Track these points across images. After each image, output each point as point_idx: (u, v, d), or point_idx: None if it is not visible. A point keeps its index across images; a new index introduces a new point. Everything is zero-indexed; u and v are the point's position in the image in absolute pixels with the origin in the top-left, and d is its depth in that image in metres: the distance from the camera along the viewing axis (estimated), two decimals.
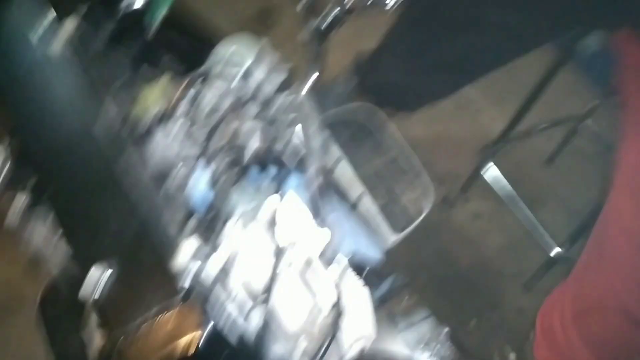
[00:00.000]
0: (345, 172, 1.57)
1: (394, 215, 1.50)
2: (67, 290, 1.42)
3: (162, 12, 0.83)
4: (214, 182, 0.82)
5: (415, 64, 1.59)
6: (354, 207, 1.57)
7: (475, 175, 2.00)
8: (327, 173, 0.73)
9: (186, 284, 0.53)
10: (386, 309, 0.99)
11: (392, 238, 1.49)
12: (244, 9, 2.49)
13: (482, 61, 1.55)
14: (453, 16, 1.43)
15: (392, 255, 1.30)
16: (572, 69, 2.16)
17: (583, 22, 1.37)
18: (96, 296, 0.54)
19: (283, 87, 0.82)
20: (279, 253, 0.65)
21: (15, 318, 1.87)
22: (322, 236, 0.70)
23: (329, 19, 1.27)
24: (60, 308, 1.43)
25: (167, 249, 0.55)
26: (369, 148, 1.60)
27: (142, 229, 0.55)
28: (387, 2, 1.32)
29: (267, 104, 0.79)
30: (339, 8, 1.28)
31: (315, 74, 1.35)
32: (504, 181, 1.94)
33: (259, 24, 2.45)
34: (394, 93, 1.75)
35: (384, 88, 1.75)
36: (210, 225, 0.74)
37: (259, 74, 0.79)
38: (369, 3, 1.34)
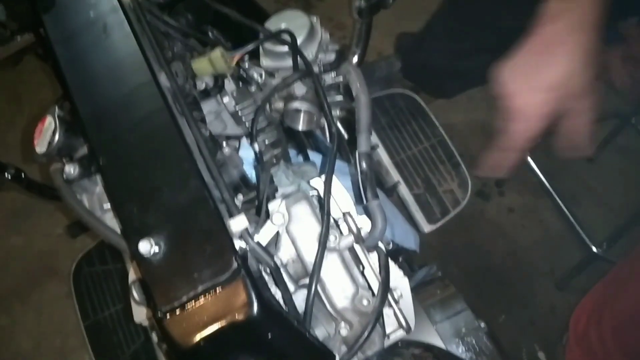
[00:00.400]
0: (382, 159, 1.55)
1: (429, 205, 1.48)
2: (102, 263, 1.45)
3: None
4: (257, 161, 0.81)
5: (458, 47, 1.55)
6: (389, 195, 1.55)
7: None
8: (372, 158, 0.70)
9: (233, 263, 0.52)
10: (421, 300, 0.98)
11: (427, 229, 1.47)
12: None
13: None
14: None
15: (423, 245, 1.28)
16: None
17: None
18: (141, 270, 0.53)
19: (332, 66, 0.80)
20: (322, 237, 0.64)
21: (49, 287, 1.92)
22: (364, 223, 0.69)
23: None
24: (93, 280, 1.45)
25: (216, 226, 0.54)
26: (407, 135, 1.57)
27: (193, 203, 0.54)
28: None
29: (315, 84, 0.77)
30: None
31: (360, 53, 1.33)
32: (542, 176, 1.89)
33: (301, 1, 2.43)
34: (435, 77, 1.71)
35: (426, 71, 1.72)
36: (254, 204, 0.73)
37: (309, 53, 0.77)
38: None
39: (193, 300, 0.51)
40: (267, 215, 0.67)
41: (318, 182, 0.71)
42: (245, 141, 0.87)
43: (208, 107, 0.84)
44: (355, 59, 1.35)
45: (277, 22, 0.77)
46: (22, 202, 2.04)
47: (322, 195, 0.69)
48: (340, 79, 0.80)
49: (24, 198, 1.98)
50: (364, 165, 0.70)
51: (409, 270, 1.22)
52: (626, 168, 2.04)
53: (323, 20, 0.85)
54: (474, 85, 1.83)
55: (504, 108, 0.77)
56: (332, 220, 0.69)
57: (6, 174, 1.27)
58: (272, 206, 0.67)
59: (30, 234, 2.02)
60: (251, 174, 0.83)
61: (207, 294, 0.51)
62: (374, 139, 1.55)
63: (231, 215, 0.56)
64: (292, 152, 1.05)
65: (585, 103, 0.77)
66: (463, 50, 1.55)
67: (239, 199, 0.69)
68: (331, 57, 0.81)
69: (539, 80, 0.75)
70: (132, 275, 0.68)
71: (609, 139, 1.99)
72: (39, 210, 2.02)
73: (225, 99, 0.82)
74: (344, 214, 0.68)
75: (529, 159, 1.88)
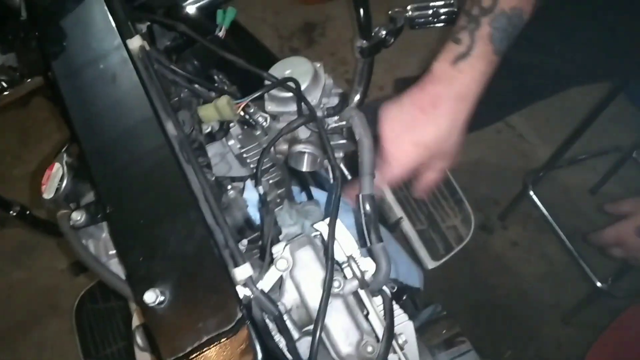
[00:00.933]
0: (385, 195, 1.55)
1: (432, 241, 1.48)
2: (105, 300, 1.44)
3: (218, 33, 0.84)
4: (262, 203, 0.82)
5: None
6: (392, 231, 1.55)
7: (515, 202, 1.96)
8: (375, 200, 0.71)
9: (238, 313, 0.52)
10: (426, 340, 0.97)
11: (430, 265, 1.46)
12: (289, 23, 2.51)
13: (526, 97, 1.54)
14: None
15: (427, 279, 1.28)
16: (621, 98, 2.10)
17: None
18: (146, 319, 0.54)
19: (336, 110, 0.82)
20: (327, 283, 0.64)
21: (51, 323, 1.91)
22: (368, 266, 0.69)
23: (377, 39, 1.28)
24: (96, 317, 1.45)
25: (221, 275, 0.54)
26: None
27: (198, 252, 0.55)
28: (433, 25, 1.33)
29: (319, 129, 0.78)
30: (385, 31, 1.28)
31: (362, 92, 1.36)
32: (544, 209, 1.89)
33: (304, 37, 2.47)
34: None
35: None
36: (257, 245, 0.73)
37: (312, 98, 0.78)
38: (416, 27, 1.34)
39: (197, 351, 0.51)
40: (271, 259, 0.67)
41: (322, 226, 0.72)
42: (249, 183, 0.88)
43: (213, 149, 0.85)
44: (357, 98, 1.37)
45: (281, 69, 0.78)
46: (26, 238, 2.04)
47: (325, 238, 0.69)
48: (344, 123, 0.81)
49: (28, 233, 1.98)
50: (367, 207, 0.70)
51: (413, 308, 1.21)
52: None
53: (325, 56, 0.87)
54: (476, 129, 1.85)
55: (382, 149, 0.85)
56: (336, 265, 0.69)
57: (11, 211, 1.28)
58: (276, 250, 0.68)
59: (33, 269, 2.02)
60: (255, 215, 0.84)
61: (211, 344, 0.51)
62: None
63: (236, 263, 0.56)
64: (296, 189, 1.06)
65: (442, 164, 0.89)
66: None
67: (243, 243, 0.70)
68: (334, 101, 0.83)
69: (416, 136, 0.83)
70: (135, 321, 0.68)
71: (611, 172, 1.99)
72: (43, 245, 2.03)
73: (231, 142, 0.83)
74: (348, 258, 0.68)
75: (531, 192, 1.88)
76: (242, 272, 0.55)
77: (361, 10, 1.17)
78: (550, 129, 2.14)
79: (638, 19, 1.08)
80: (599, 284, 1.72)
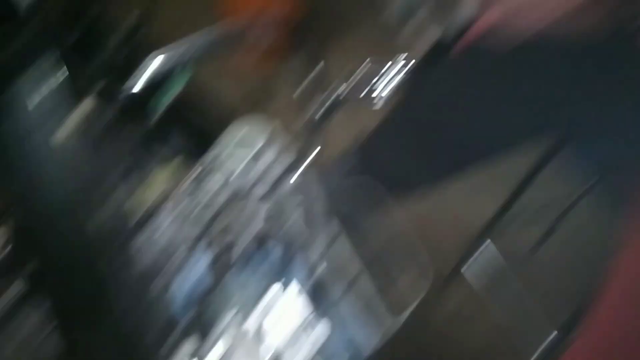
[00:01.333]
0: (343, 249, 1.54)
1: (390, 298, 1.46)
2: None
3: (170, 97, 0.84)
4: (213, 265, 0.80)
5: (420, 161, 1.58)
6: (350, 286, 1.53)
7: (466, 256, 1.98)
8: (329, 258, 0.72)
9: None
10: None
11: (389, 321, 1.44)
12: (247, 79, 2.53)
13: (487, 154, 1.57)
14: (452, 116, 1.42)
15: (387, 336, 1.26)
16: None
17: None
18: None
19: (291, 168, 0.83)
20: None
21: None
22: (321, 329, 0.68)
23: (323, 109, 1.30)
24: None
25: (164, 352, 0.52)
26: (368, 224, 1.58)
27: (138, 329, 0.53)
28: (374, 102, 1.36)
29: (274, 186, 0.79)
30: (331, 99, 1.31)
31: (316, 153, 1.36)
32: (496, 263, 1.92)
33: (262, 94, 2.49)
34: (394, 179, 1.74)
35: (384, 174, 1.74)
36: (207, 316, 0.71)
37: (268, 157, 0.79)
38: (360, 97, 1.37)
39: None
40: (219, 330, 0.65)
41: (276, 290, 0.71)
42: (202, 244, 0.86)
43: (167, 212, 0.84)
44: (309, 161, 1.37)
45: (239, 128, 0.79)
46: None
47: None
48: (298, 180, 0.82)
49: None
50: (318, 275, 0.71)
51: None
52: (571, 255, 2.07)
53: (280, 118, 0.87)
54: (431, 186, 1.87)
55: None
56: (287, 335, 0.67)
57: None
58: (226, 319, 0.66)
59: None
60: (207, 279, 0.82)
61: None
62: (335, 227, 1.56)
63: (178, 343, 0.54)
64: (253, 255, 1.04)
65: None
66: (424, 159, 1.58)
67: (190, 315, 0.68)
68: (291, 159, 0.84)
69: None
70: None
71: (552, 230, 2.03)
72: None
73: (184, 204, 0.82)
74: (298, 324, 0.67)
75: (482, 247, 1.90)
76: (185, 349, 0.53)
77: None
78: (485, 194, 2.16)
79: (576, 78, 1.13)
80: (554, 333, 1.74)
